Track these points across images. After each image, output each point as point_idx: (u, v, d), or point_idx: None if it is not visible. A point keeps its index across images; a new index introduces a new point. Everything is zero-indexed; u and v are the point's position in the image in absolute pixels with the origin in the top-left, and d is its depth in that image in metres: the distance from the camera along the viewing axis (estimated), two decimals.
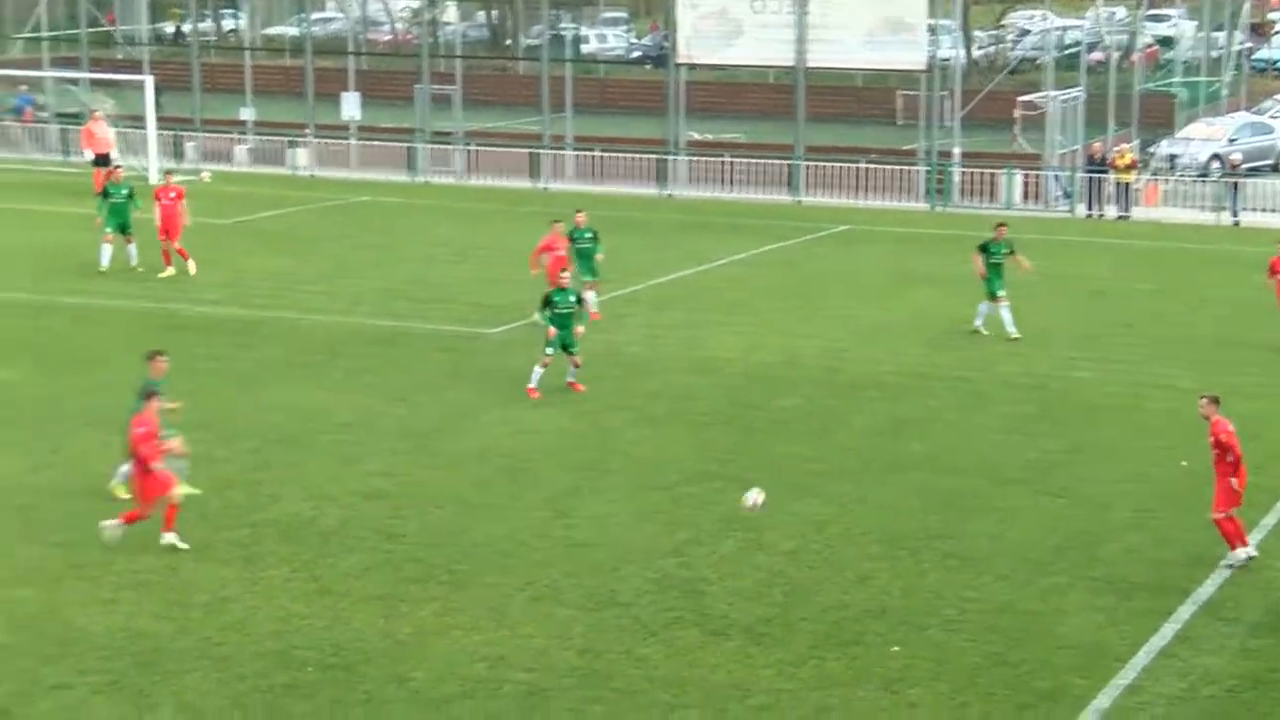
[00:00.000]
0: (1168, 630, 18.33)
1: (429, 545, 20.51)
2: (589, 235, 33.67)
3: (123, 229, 37.11)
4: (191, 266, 36.98)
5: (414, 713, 16.14)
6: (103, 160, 47.95)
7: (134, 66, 59.28)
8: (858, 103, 66.42)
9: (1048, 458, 24.59)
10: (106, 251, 36.96)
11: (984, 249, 32.01)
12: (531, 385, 27.27)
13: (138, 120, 53.56)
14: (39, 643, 17.52)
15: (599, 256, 33.66)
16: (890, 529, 21.38)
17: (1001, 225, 32.67)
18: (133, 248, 37.17)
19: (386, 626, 18.08)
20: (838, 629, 18.28)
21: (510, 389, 27.75)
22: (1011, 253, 31.98)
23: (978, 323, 32.00)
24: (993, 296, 31.76)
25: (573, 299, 27.52)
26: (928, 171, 50.31)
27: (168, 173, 40.56)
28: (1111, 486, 23.31)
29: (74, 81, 58.86)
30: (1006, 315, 31.56)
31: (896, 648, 17.80)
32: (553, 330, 27.22)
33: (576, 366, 27.56)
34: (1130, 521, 21.89)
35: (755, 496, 20.43)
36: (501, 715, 16.14)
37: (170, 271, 36.84)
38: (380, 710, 16.18)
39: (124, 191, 37.35)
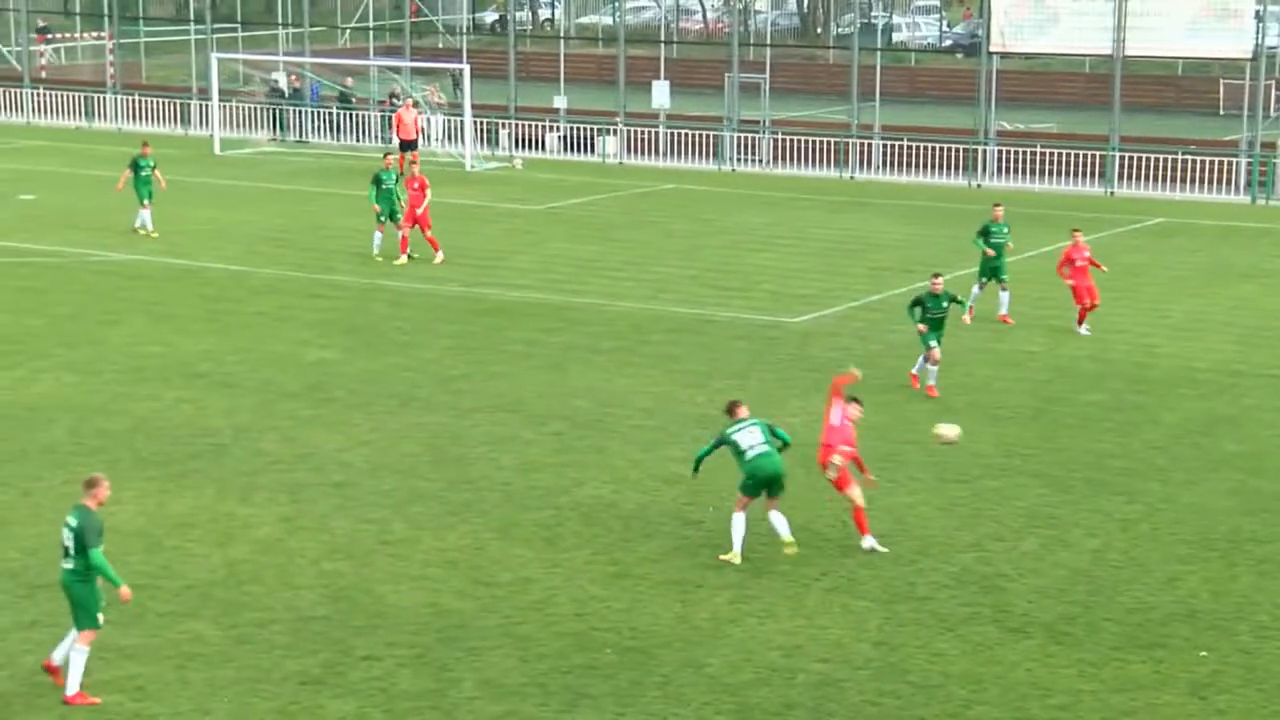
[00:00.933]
0: None
1: (725, 532, 20.60)
2: (1005, 230, 32.01)
3: (391, 216, 37.94)
4: (439, 256, 37.29)
5: (709, 698, 16.28)
6: (409, 145, 49.78)
7: (453, 55, 60.91)
8: (1177, 92, 64.68)
9: None
10: (377, 238, 37.84)
11: None
12: (914, 372, 27.35)
13: (455, 108, 55.00)
14: (352, 615, 18.15)
15: (1009, 245, 32.06)
16: (1200, 530, 20.79)
17: None
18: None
19: (683, 612, 18.26)
20: (1142, 631, 17.86)
21: (809, 378, 27.74)
22: None
23: None
24: None
25: (945, 304, 26.99)
26: (1250, 163, 48.64)
27: (414, 162, 40.91)
28: None
29: (396, 70, 60.69)
30: None
31: (1205, 653, 17.32)
32: (923, 327, 26.88)
33: (935, 363, 26.94)
34: None
35: (948, 431, 20.22)
36: (796, 704, 16.18)
37: (403, 260, 37.17)
38: (676, 694, 16.36)
39: (394, 177, 38.22)
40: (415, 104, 53.44)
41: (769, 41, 65.62)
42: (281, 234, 41.49)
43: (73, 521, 15.90)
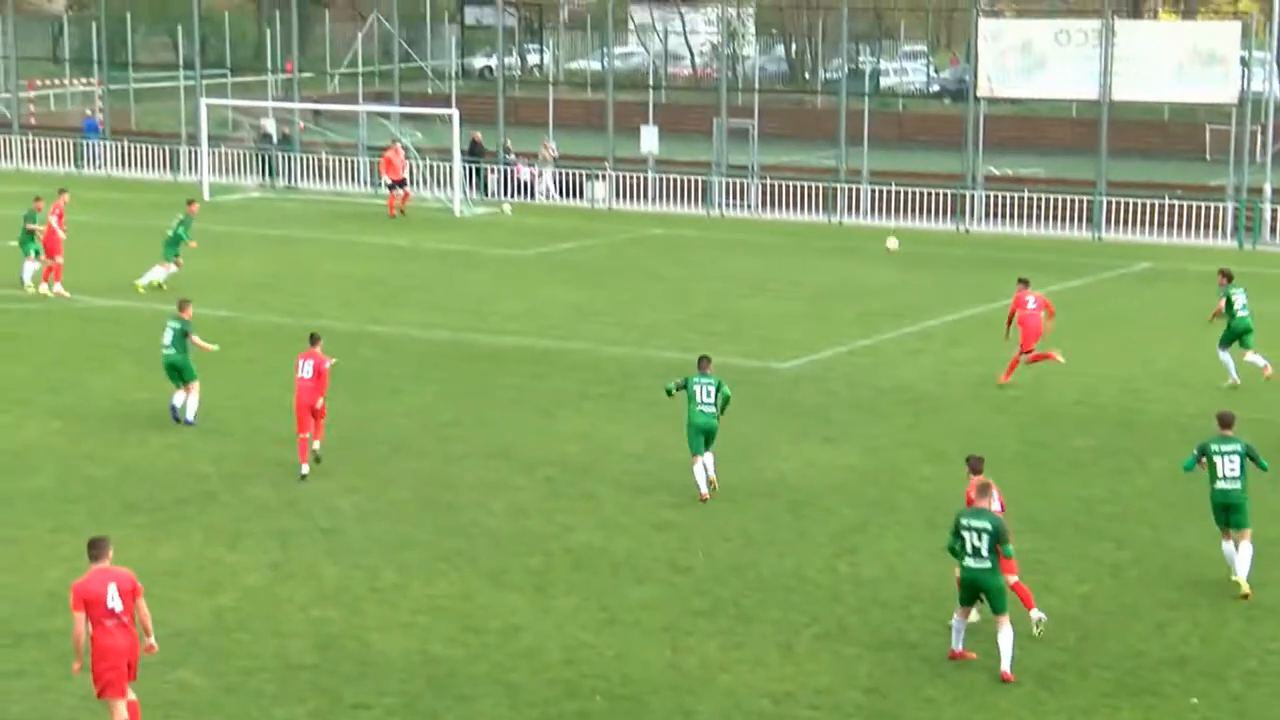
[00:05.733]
0: None
1: (716, 579, 20.61)
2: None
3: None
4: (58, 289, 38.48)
5: None
6: (398, 185, 53.24)
7: (442, 101, 61.03)
8: (1164, 137, 64.97)
9: None
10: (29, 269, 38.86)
11: None
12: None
13: (444, 153, 55.15)
14: (340, 662, 18.08)
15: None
16: (1189, 576, 20.78)
17: None
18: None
19: (673, 659, 18.21)
20: (1132, 677, 17.83)
21: (798, 424, 27.73)
22: None
23: None
24: None
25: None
26: (1236, 208, 48.83)
27: (62, 191, 41.11)
28: None
29: (385, 115, 60.78)
30: None
31: (1195, 699, 17.30)
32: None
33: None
34: None
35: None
36: None
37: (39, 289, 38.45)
38: None
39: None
40: (404, 147, 54.98)
41: (757, 87, 65.82)
42: (271, 280, 41.48)
43: (985, 524, 17.67)
